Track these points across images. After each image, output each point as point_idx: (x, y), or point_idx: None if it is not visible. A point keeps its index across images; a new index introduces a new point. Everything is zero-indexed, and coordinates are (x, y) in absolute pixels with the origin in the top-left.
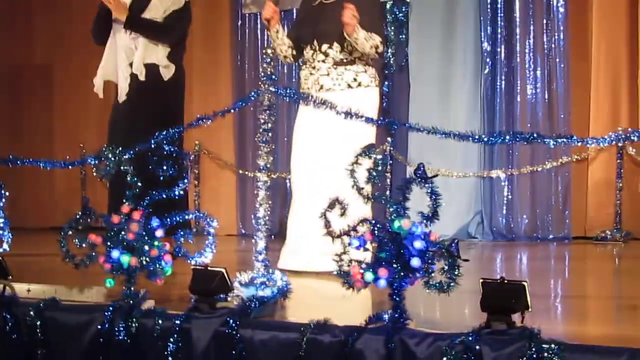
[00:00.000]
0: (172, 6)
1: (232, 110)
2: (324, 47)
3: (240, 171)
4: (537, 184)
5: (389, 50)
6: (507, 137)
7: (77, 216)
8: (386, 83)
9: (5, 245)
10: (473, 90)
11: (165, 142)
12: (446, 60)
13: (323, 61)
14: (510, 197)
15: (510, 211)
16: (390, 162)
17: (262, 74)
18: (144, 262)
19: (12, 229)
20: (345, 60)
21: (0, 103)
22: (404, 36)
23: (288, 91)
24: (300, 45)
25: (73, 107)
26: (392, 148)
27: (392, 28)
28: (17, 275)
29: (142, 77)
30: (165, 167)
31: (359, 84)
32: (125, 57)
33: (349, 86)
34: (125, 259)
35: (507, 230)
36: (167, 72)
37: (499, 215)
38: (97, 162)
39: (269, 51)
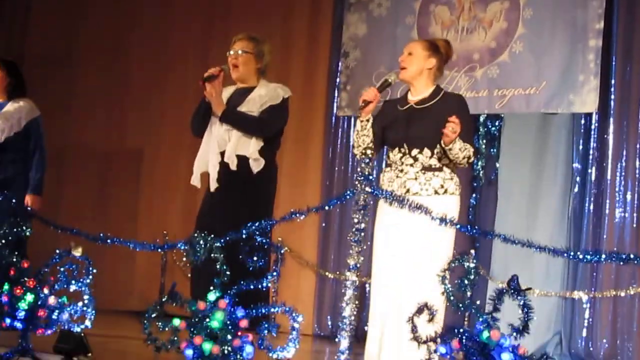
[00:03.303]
0: (269, 101)
1: (326, 207)
2: (414, 151)
3: (321, 272)
4: (619, 309)
5: (479, 163)
6: (604, 256)
7: (163, 299)
8: (474, 195)
9: (87, 322)
10: (561, 209)
11: (257, 233)
12: (536, 178)
13: (411, 165)
14: (591, 320)
15: (590, 334)
16: None
17: (360, 173)
18: (226, 351)
19: None
20: (433, 167)
21: (91, 184)
22: (495, 150)
23: (384, 192)
24: (386, 147)
25: (159, 192)
26: (475, 261)
27: (484, 141)
28: (96, 355)
29: (233, 167)
30: (255, 258)
31: (445, 191)
32: (217, 147)
33: (436, 192)
34: (208, 347)
35: (586, 354)
36: (256, 165)
37: (579, 337)
38: (187, 247)
39: (369, 152)
